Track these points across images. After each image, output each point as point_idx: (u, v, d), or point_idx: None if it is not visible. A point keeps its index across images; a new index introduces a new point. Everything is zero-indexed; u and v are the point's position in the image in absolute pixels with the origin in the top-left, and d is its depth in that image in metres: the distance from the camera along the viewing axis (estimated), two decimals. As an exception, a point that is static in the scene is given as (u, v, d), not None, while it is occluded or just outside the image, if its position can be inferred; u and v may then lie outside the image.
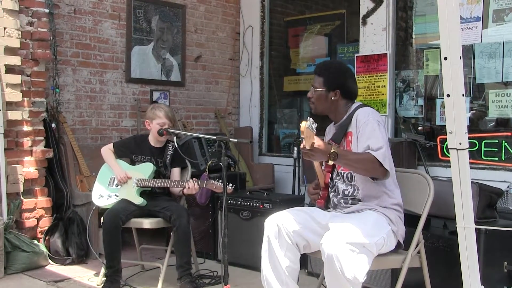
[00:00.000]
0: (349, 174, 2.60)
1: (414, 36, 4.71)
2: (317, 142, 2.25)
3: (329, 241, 2.26)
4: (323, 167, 2.74)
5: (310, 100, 2.72)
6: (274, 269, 2.48)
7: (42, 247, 3.97)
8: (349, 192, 2.61)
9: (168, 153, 3.65)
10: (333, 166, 2.68)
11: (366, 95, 4.70)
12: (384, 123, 2.58)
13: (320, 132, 2.36)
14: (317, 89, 2.66)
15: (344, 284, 2.21)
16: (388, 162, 2.43)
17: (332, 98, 2.64)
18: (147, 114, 3.66)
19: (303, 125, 2.17)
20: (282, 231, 2.48)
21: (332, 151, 2.29)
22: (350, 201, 2.60)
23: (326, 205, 2.72)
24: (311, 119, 2.21)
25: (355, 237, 2.26)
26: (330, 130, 2.81)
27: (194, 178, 3.51)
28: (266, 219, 2.58)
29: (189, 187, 3.39)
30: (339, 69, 2.73)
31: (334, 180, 2.69)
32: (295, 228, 2.49)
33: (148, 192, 3.55)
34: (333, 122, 2.79)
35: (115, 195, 3.50)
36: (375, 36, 4.70)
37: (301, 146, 2.27)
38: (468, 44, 4.14)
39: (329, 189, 2.72)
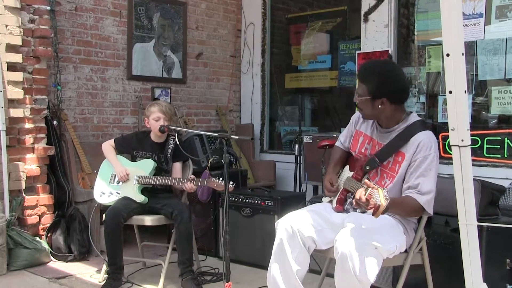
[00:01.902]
0: None
1: (416, 33, 4.70)
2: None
3: (344, 239, 2.24)
4: (353, 174, 2.63)
5: (357, 106, 2.56)
6: (284, 273, 2.45)
7: (44, 244, 3.97)
8: None
9: (169, 147, 3.65)
10: (363, 175, 2.57)
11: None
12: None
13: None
14: (362, 97, 2.48)
15: (354, 283, 2.20)
16: (432, 207, 2.37)
17: (379, 106, 2.46)
18: (144, 112, 3.67)
19: (382, 209, 2.06)
20: (296, 236, 2.42)
21: (385, 205, 2.13)
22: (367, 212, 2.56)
23: (343, 208, 2.65)
24: (386, 190, 2.09)
25: (370, 239, 2.23)
26: (366, 123, 2.64)
27: (192, 176, 3.50)
28: (279, 220, 2.52)
29: (186, 188, 3.39)
30: (384, 75, 2.47)
31: None
32: (311, 234, 2.44)
33: (150, 188, 3.55)
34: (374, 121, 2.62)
35: (117, 192, 3.50)
36: (377, 33, 4.69)
37: (360, 198, 2.13)
38: (470, 40, 4.12)
39: (347, 194, 2.63)
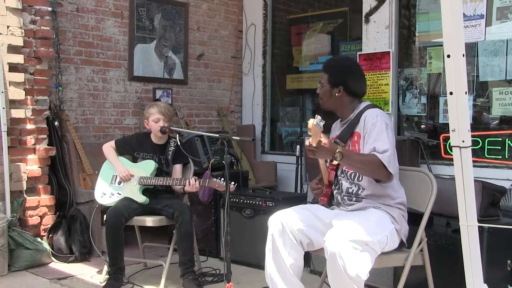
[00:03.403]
0: (353, 172, 2.60)
1: (417, 34, 4.70)
2: (324, 140, 2.24)
3: (332, 238, 2.26)
4: (327, 165, 2.73)
5: (319, 96, 2.74)
6: (279, 268, 2.48)
7: (45, 244, 3.98)
8: (353, 190, 2.60)
9: (170, 149, 3.65)
10: (338, 164, 2.66)
11: (369, 93, 4.69)
12: (392, 126, 2.58)
13: (326, 129, 2.35)
14: (323, 86, 2.69)
15: (346, 282, 2.21)
16: (392, 166, 2.43)
17: (336, 94, 2.65)
18: (144, 114, 3.67)
19: (311, 122, 2.16)
20: (286, 229, 2.48)
21: (337, 150, 2.29)
22: (354, 199, 2.60)
23: (329, 203, 2.72)
24: (319, 117, 2.20)
25: (358, 235, 2.25)
26: (336, 127, 2.80)
27: (195, 177, 3.51)
28: (270, 217, 2.57)
29: (190, 184, 3.39)
30: (343, 66, 2.74)
31: (339, 177, 2.68)
32: (299, 227, 2.49)
33: (151, 189, 3.55)
34: (339, 119, 2.78)
35: (118, 193, 3.51)
36: (378, 34, 4.69)
37: (306, 143, 2.26)
38: (471, 41, 4.12)
39: (333, 187, 2.72)
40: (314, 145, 2.22)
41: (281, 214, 2.54)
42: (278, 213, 2.57)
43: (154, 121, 3.55)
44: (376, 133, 2.47)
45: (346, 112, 2.69)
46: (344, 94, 2.65)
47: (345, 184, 2.64)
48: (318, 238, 2.49)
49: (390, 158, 2.42)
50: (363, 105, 2.67)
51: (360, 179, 2.57)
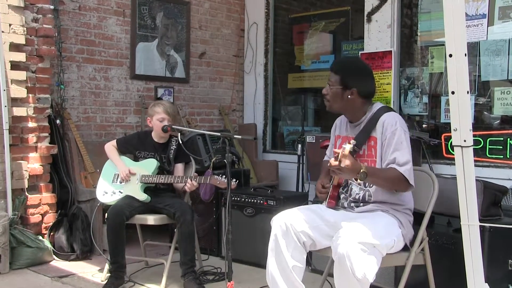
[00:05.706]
0: None
1: (419, 33, 4.69)
2: (347, 161, 2.23)
3: (341, 240, 2.25)
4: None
5: (325, 97, 2.64)
6: (281, 269, 2.47)
7: (47, 242, 3.99)
8: (359, 196, 2.57)
9: (171, 148, 3.66)
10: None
11: (370, 92, 4.68)
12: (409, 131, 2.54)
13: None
14: (333, 87, 2.59)
15: (353, 283, 2.20)
16: (412, 177, 2.42)
17: (349, 96, 2.56)
18: (148, 111, 3.68)
19: (348, 148, 2.18)
20: (290, 231, 2.46)
21: (361, 170, 2.27)
22: (361, 205, 2.58)
23: (336, 204, 2.68)
24: (353, 141, 2.24)
25: (367, 238, 2.24)
26: (344, 126, 2.73)
27: (195, 173, 3.51)
28: (274, 217, 2.55)
29: (188, 187, 3.40)
30: (357, 67, 2.68)
31: (349, 182, 2.64)
32: (304, 228, 2.47)
33: (152, 188, 3.56)
34: (347, 119, 2.72)
35: (119, 191, 3.51)
36: (380, 33, 4.69)
37: (331, 163, 2.25)
38: (473, 41, 4.12)
39: (341, 189, 2.67)
40: (343, 165, 2.21)
41: (285, 215, 2.52)
42: (282, 213, 2.54)
43: (159, 120, 3.56)
44: (396, 142, 2.44)
45: (357, 114, 2.62)
46: (357, 97, 2.57)
47: (354, 189, 2.60)
48: (322, 239, 2.48)
49: (411, 170, 2.41)
50: (375, 107, 2.61)
51: (370, 185, 2.54)
